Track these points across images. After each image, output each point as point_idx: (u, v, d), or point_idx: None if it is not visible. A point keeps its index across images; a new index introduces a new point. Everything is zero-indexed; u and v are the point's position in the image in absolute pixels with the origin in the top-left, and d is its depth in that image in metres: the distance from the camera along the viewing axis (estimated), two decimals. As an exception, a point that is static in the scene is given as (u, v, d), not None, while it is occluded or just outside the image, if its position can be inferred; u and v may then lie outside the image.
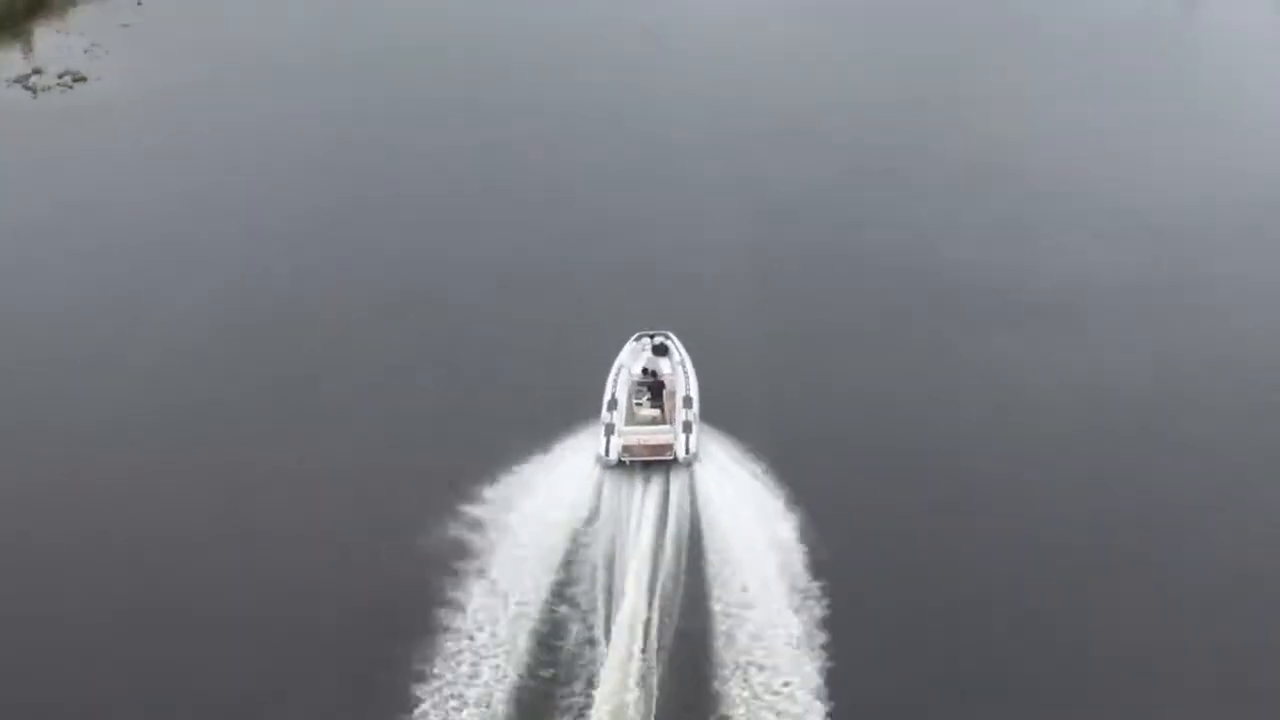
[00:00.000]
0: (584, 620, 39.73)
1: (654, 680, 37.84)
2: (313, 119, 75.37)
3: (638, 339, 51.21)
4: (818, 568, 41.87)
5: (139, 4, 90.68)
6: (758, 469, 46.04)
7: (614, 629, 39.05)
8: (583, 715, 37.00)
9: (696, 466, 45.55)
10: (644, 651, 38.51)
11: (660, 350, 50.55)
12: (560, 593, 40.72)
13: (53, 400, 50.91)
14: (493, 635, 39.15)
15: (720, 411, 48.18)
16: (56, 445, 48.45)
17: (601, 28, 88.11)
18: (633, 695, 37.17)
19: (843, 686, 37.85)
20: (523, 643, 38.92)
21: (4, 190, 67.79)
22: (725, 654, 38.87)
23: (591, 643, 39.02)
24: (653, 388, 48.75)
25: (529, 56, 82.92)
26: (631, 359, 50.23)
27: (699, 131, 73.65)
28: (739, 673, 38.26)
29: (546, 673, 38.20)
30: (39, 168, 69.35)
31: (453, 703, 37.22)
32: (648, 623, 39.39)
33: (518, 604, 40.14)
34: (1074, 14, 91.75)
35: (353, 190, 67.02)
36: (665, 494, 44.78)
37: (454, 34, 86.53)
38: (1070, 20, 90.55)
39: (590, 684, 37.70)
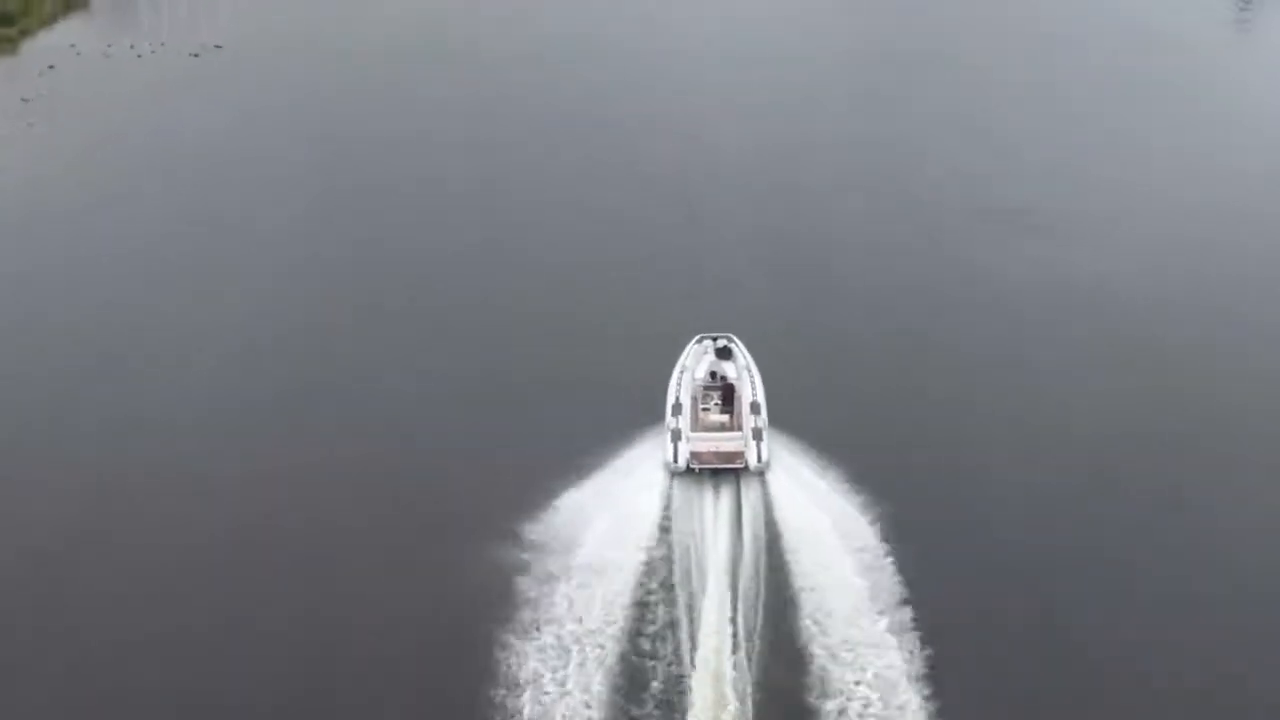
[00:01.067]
0: (666, 641, 38.01)
1: (747, 693, 36.25)
2: (381, 131, 73.80)
3: (699, 341, 49.56)
4: (903, 576, 40.33)
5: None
6: (830, 475, 44.55)
7: (698, 649, 37.46)
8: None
9: (769, 475, 43.99)
10: (734, 668, 36.86)
11: (724, 353, 48.91)
12: (639, 609, 39.00)
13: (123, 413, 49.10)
14: (569, 654, 37.43)
15: (787, 416, 46.66)
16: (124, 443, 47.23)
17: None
18: (728, 714, 35.67)
19: (938, 697, 36.40)
20: (608, 660, 37.21)
21: None
22: (816, 668, 37.22)
23: (676, 661, 37.39)
24: (722, 391, 47.15)
25: (578, 68, 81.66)
26: (694, 362, 48.61)
27: (750, 135, 72.51)
28: (833, 687, 36.63)
29: (629, 692, 36.52)
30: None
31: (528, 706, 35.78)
32: (734, 637, 37.76)
33: (596, 621, 38.40)
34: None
35: (409, 195, 65.84)
36: (737, 503, 43.18)
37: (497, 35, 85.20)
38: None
39: (677, 706, 36.14)
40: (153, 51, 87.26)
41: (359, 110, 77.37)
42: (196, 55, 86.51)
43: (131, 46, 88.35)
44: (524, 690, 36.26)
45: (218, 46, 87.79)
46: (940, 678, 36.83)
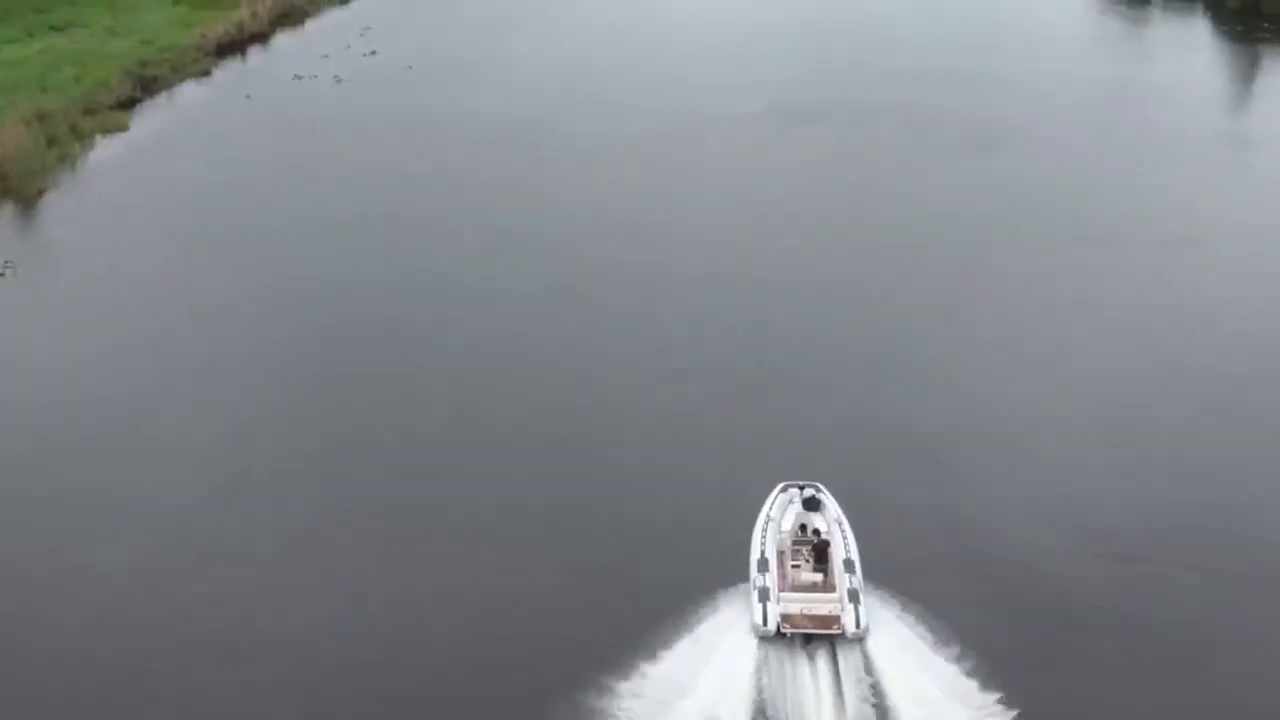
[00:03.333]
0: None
1: None
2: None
3: (784, 489, 45.69)
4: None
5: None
6: (933, 637, 40.49)
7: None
8: None
9: (869, 642, 39.94)
10: None
11: (812, 504, 45.01)
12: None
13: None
14: None
15: (881, 572, 42.78)
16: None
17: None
18: None
19: None
20: None
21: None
22: None
23: None
24: (816, 549, 43.26)
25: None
26: (779, 513, 44.76)
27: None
28: None
29: None
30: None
31: None
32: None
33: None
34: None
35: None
36: (835, 673, 39.01)
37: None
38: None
39: None
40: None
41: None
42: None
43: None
44: None
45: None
46: None
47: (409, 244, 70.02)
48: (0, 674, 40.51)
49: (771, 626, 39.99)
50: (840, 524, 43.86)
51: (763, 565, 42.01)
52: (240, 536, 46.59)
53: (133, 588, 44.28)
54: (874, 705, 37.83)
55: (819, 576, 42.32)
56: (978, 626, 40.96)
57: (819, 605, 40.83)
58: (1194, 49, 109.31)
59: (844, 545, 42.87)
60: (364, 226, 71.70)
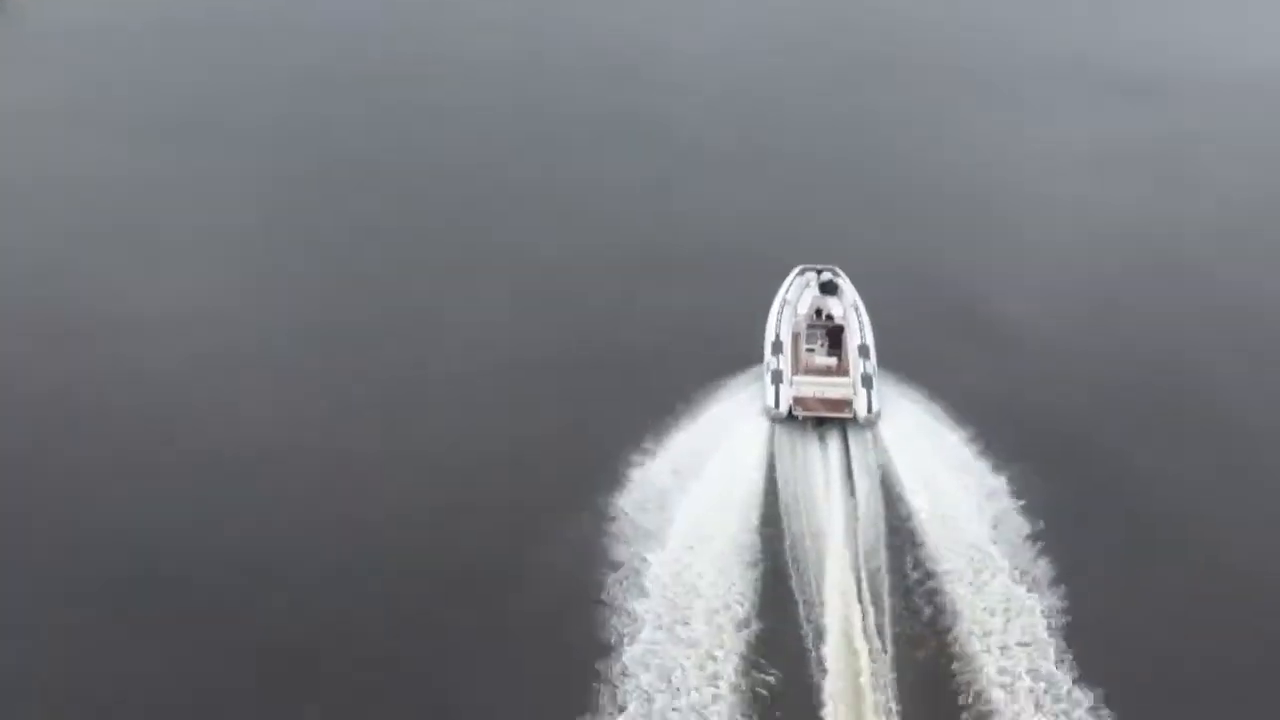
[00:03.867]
0: (788, 606, 34.33)
1: (883, 653, 32.90)
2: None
3: (801, 272, 45.41)
4: (1033, 530, 36.73)
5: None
6: (943, 420, 40.62)
7: (824, 611, 33.80)
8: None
9: (880, 425, 40.16)
10: (864, 631, 33.21)
11: (829, 288, 44.73)
12: (750, 570, 35.18)
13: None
14: (681, 620, 33.70)
15: (895, 355, 42.68)
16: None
17: None
18: (865, 679, 32.11)
19: (1076, 652, 33.13)
20: (724, 627, 33.56)
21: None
22: (949, 629, 33.73)
23: (800, 626, 33.75)
24: (830, 333, 43.15)
25: None
26: (796, 295, 44.55)
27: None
28: (970, 646, 33.23)
29: (757, 659, 32.93)
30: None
31: (648, 691, 31.94)
32: (860, 600, 34.08)
33: (705, 586, 34.63)
34: None
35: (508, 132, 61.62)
36: (846, 454, 39.26)
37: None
38: None
39: (806, 674, 32.66)
40: None
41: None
42: None
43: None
44: (638, 654, 32.86)
45: None
46: (1077, 633, 33.55)
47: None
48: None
49: (783, 409, 40.18)
50: (857, 308, 43.65)
51: (777, 348, 41.96)
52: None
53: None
54: (883, 487, 38.15)
55: (832, 360, 42.34)
56: (990, 413, 40.99)
57: (831, 389, 40.94)
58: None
59: (859, 330, 42.74)
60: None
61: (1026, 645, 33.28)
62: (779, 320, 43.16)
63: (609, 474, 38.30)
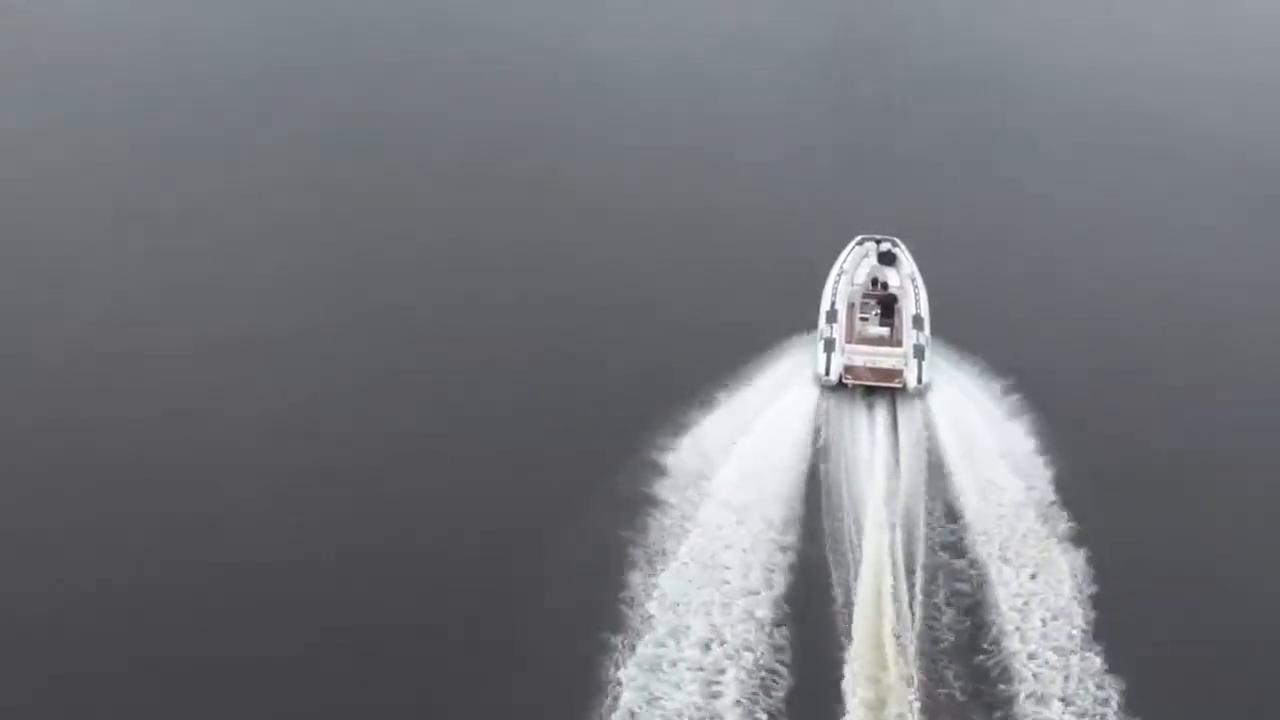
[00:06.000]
0: (823, 571, 34.94)
1: (911, 628, 33.30)
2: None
3: (860, 243, 45.56)
4: (1072, 510, 36.70)
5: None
6: (996, 395, 40.70)
7: (858, 581, 34.35)
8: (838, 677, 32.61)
9: (930, 397, 40.37)
10: (895, 601, 33.70)
11: (887, 258, 44.88)
12: (788, 536, 35.75)
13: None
14: (718, 579, 34.52)
15: (951, 328, 42.77)
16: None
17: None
18: (889, 644, 32.76)
19: (1108, 636, 33.28)
20: (758, 590, 34.24)
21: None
22: (981, 608, 34.06)
23: (834, 590, 34.37)
24: (883, 302, 43.35)
25: None
26: (853, 265, 44.76)
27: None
28: (1002, 624, 33.56)
29: (780, 622, 33.61)
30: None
31: (683, 643, 32.96)
32: (893, 570, 34.51)
33: (743, 549, 35.27)
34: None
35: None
36: (893, 423, 39.65)
37: None
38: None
39: (836, 635, 33.26)
40: None
41: None
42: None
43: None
44: (674, 614, 33.71)
45: None
46: (1110, 611, 33.76)
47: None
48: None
49: (834, 377, 40.54)
50: (914, 279, 43.75)
51: (831, 316, 42.27)
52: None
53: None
54: (927, 457, 38.45)
55: (885, 330, 42.60)
56: (1043, 389, 40.91)
57: (883, 359, 41.25)
58: None
59: (915, 301, 42.88)
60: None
61: (1056, 623, 33.47)
62: (835, 289, 43.41)
63: (664, 431, 39.00)
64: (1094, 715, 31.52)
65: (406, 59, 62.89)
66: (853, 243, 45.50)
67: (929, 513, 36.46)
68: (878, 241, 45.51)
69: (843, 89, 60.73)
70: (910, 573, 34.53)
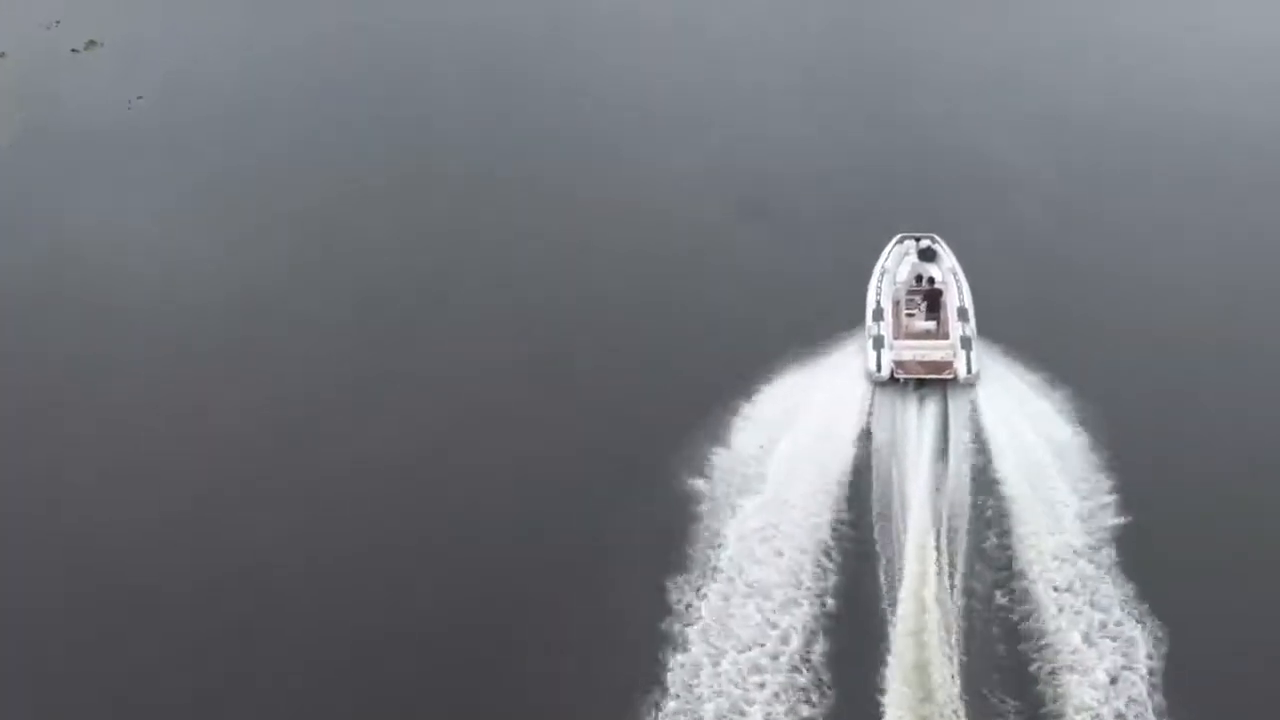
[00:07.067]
0: (868, 562, 35.94)
1: (953, 620, 34.10)
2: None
3: (900, 241, 46.35)
4: (1120, 497, 37.33)
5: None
6: (1043, 387, 41.37)
7: (902, 574, 35.27)
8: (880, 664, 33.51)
9: (979, 387, 41.12)
10: (938, 596, 34.51)
11: (927, 255, 45.68)
12: (837, 529, 36.77)
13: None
14: (769, 569, 35.63)
15: (995, 322, 43.48)
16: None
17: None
18: (932, 637, 33.55)
19: (1163, 633, 33.80)
20: (804, 582, 35.30)
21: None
22: (1027, 599, 34.78)
23: (879, 585, 35.30)
24: (928, 296, 44.15)
25: None
26: (895, 264, 45.54)
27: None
28: (1045, 620, 34.21)
29: (831, 607, 34.73)
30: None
31: (731, 633, 34.14)
32: (938, 562, 35.38)
33: (793, 542, 36.29)
34: None
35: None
36: (944, 416, 40.37)
37: None
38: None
39: (880, 631, 34.09)
40: None
41: None
42: None
43: None
44: (723, 564, 35.60)
45: None
46: (1161, 608, 34.18)
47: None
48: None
49: (885, 372, 41.35)
50: (955, 273, 44.54)
51: (878, 314, 43.10)
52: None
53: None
54: (975, 449, 39.21)
55: (931, 324, 43.37)
56: (1090, 379, 41.50)
57: (931, 352, 42.02)
58: None
59: (958, 294, 43.67)
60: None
61: (1101, 616, 34.15)
62: (879, 287, 44.24)
63: (715, 425, 40.10)
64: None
65: (420, 59, 64.72)
66: (893, 241, 46.27)
67: (974, 506, 37.25)
68: (917, 239, 46.32)
69: (872, 95, 61.65)
70: (953, 565, 35.48)
